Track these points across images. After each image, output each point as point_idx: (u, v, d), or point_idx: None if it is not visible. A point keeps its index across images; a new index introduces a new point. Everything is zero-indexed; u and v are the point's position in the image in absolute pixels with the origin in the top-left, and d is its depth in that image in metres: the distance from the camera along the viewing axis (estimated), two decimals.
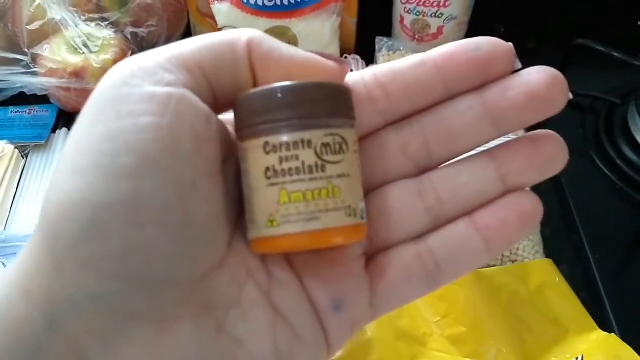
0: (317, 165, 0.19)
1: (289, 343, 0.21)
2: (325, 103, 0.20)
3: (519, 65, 0.22)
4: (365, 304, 0.22)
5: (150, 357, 0.19)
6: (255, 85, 0.21)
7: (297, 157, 0.19)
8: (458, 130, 0.23)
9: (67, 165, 0.18)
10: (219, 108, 0.21)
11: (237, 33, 0.21)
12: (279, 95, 0.20)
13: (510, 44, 0.22)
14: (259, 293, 0.21)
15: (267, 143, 0.19)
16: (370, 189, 0.23)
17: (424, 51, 0.23)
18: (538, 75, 0.21)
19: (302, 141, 0.19)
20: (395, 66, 0.23)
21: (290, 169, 0.19)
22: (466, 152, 0.23)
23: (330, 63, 0.22)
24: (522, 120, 0.22)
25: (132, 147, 0.17)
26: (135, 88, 0.18)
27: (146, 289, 0.18)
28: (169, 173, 0.18)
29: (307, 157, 0.19)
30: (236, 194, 0.21)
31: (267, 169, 0.19)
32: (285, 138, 0.19)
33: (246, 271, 0.21)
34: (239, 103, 0.20)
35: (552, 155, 0.22)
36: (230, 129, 0.22)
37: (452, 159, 0.23)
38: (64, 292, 0.18)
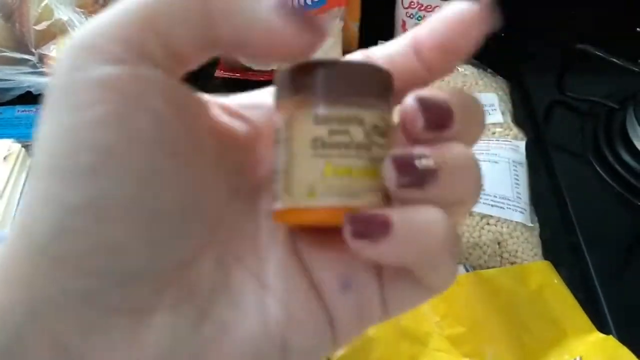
0: (364, 144, 0.19)
1: (282, 327, 0.20)
2: (382, 86, 0.20)
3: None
4: (373, 288, 0.20)
5: (125, 347, 0.18)
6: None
7: (347, 132, 0.19)
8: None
9: (32, 166, 0.18)
10: (182, 65, 0.19)
11: None
12: (342, 69, 0.19)
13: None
14: (248, 276, 0.20)
15: (318, 114, 0.19)
16: None
17: None
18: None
19: (356, 118, 0.19)
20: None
21: (338, 143, 0.19)
22: None
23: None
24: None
25: (87, 143, 0.16)
26: (83, 72, 0.17)
27: (118, 283, 0.18)
28: (128, 164, 0.17)
29: (357, 134, 0.19)
30: (225, 168, 0.20)
31: (315, 139, 0.19)
32: (339, 111, 0.19)
33: (233, 256, 0.20)
34: (290, 69, 0.20)
35: None
36: (208, 99, 0.21)
37: None
38: (40, 286, 0.18)
